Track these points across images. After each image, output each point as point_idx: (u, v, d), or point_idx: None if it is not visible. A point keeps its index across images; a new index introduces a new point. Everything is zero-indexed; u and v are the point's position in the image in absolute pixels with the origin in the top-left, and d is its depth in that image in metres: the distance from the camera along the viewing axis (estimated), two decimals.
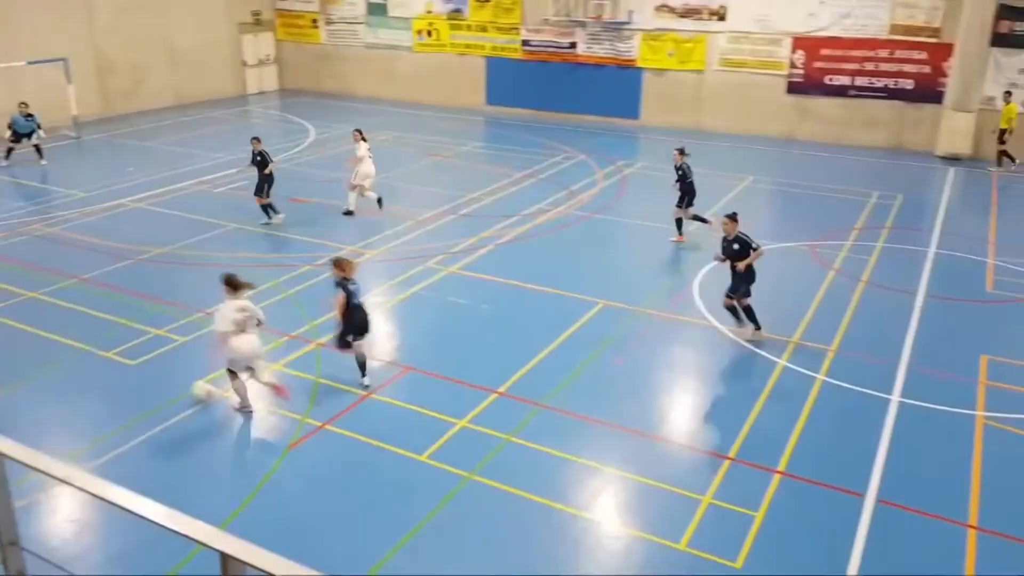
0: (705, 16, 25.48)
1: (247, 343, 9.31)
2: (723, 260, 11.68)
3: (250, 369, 9.52)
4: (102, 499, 2.78)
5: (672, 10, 25.88)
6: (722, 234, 11.76)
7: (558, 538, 7.73)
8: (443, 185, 19.60)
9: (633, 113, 27.28)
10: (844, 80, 24.15)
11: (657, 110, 26.91)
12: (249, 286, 9.50)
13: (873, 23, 23.41)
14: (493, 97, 29.59)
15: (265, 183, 16.27)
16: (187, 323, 12.04)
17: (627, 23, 26.50)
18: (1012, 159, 21.64)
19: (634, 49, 26.79)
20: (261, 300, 12.75)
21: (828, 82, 24.35)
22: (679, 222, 15.74)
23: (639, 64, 26.85)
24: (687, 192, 15.56)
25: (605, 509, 8.26)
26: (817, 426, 9.60)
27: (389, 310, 12.83)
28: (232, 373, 9.49)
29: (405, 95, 30.80)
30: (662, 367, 11.29)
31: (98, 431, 9.39)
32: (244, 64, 32.34)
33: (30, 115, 20.98)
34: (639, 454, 9.11)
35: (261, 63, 33.06)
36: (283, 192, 18.77)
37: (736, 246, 11.43)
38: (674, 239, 15.74)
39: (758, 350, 11.42)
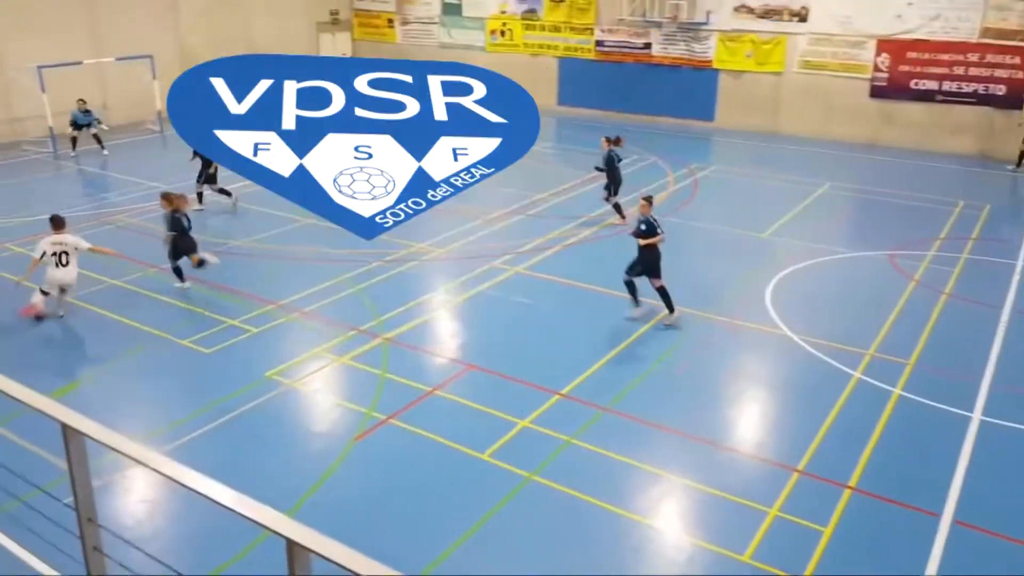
0: (785, 17, 24.98)
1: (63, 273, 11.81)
2: (635, 237, 12.12)
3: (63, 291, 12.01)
4: (175, 481, 2.84)
5: (751, 11, 25.45)
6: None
7: (619, 544, 7.65)
8: (511, 185, 19.63)
9: (708, 115, 26.91)
10: (931, 84, 23.37)
11: (733, 112, 26.50)
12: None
13: (964, 26, 22.59)
14: (565, 97, 29.52)
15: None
16: (260, 314, 12.30)
17: (704, 24, 26.16)
18: None
19: (711, 50, 26.43)
20: (331, 295, 13.00)
21: (914, 86, 23.61)
22: (617, 207, 16.63)
23: (715, 65, 26.48)
24: (613, 180, 16.58)
25: (667, 516, 8.15)
26: (892, 442, 9.30)
27: (454, 308, 12.91)
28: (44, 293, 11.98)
29: None
30: (730, 375, 11.08)
31: (174, 416, 9.67)
32: None
33: (87, 111, 22.63)
34: (704, 462, 8.96)
35: None
36: None
37: (643, 227, 11.93)
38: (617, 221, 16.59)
39: (832, 361, 11.13)
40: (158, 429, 9.38)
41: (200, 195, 17.42)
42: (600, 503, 8.14)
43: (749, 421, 10.09)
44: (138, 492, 8.28)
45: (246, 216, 16.97)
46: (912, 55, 23.45)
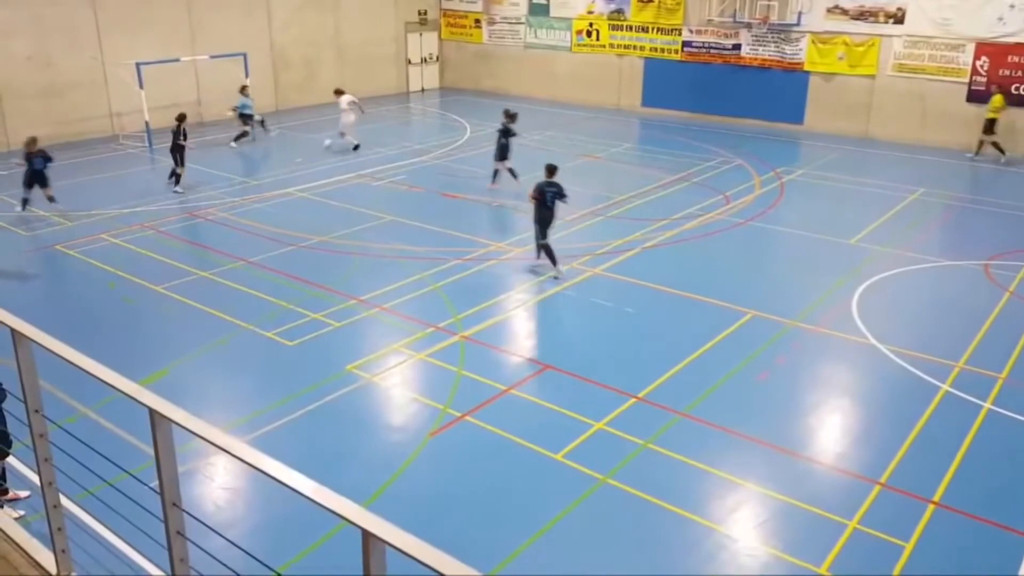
0: (881, 19, 24.21)
1: None
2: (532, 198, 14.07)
3: None
4: (257, 469, 2.94)
5: (845, 12, 24.76)
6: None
7: (691, 550, 7.56)
8: (593, 186, 19.56)
9: (797, 118, 26.30)
10: None
11: (823, 116, 25.83)
12: None
13: None
14: (650, 99, 29.26)
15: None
16: (342, 309, 12.57)
17: (795, 25, 25.57)
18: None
19: (801, 52, 25.81)
20: (410, 291, 13.20)
21: (1015, 91, 22.58)
22: (496, 172, 18.84)
23: (806, 67, 25.85)
24: (502, 149, 18.55)
25: (742, 525, 8.00)
26: (980, 457, 8.94)
27: (531, 308, 12.94)
28: None
29: (561, 95, 30.96)
30: (812, 384, 10.82)
31: (256, 405, 9.97)
32: (408, 62, 33.45)
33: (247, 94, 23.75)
34: (782, 472, 8.78)
35: (424, 61, 34.10)
36: (435, 187, 19.28)
37: (538, 191, 13.89)
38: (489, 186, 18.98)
39: (919, 372, 10.76)
40: (241, 418, 9.69)
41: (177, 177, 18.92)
42: (674, 508, 8.05)
43: (830, 431, 9.83)
44: (220, 479, 8.56)
45: (329, 213, 17.36)
46: (1014, 59, 22.43)
